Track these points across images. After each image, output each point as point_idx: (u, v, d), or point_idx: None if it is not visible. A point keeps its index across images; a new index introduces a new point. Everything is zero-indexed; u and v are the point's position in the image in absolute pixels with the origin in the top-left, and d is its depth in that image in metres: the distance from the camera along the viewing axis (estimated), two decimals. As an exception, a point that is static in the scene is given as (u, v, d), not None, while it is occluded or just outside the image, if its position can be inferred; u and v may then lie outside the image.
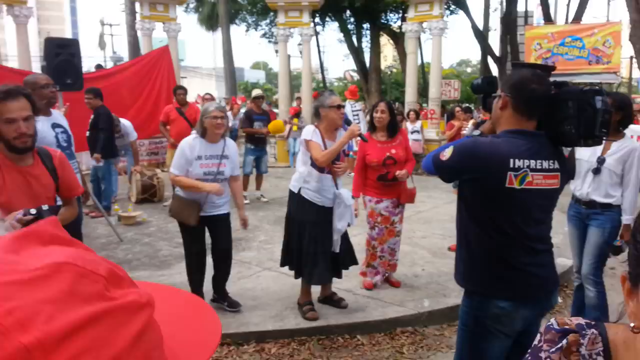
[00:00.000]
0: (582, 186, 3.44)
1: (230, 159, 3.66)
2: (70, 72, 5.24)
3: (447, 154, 1.97)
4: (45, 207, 1.75)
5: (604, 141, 2.04)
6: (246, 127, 7.87)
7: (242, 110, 13.98)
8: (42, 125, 3.63)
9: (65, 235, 0.63)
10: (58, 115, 3.94)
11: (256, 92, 8.40)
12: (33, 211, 1.70)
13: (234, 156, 3.71)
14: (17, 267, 0.50)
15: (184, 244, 3.85)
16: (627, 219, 3.30)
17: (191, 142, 3.57)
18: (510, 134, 1.92)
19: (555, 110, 1.92)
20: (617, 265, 4.75)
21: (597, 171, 3.33)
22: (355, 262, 3.96)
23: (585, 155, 3.37)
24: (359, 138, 3.67)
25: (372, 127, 4.19)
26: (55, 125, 3.75)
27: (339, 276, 3.86)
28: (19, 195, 2.16)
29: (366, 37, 22.38)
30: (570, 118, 1.89)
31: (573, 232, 3.59)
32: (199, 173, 3.56)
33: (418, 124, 10.94)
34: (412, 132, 11.04)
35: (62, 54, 5.20)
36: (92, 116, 6.35)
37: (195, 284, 3.84)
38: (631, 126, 10.02)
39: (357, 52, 21.98)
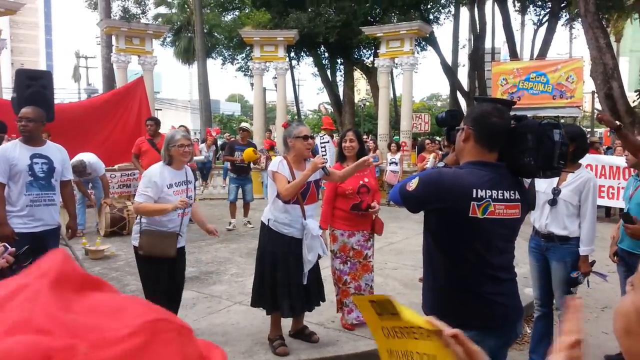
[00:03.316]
0: (540, 218, 3.43)
1: (192, 183, 3.75)
2: (41, 103, 5.15)
3: (413, 184, 2.01)
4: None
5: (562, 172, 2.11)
6: (227, 155, 8.51)
7: (220, 142, 14.03)
8: (20, 153, 3.72)
9: (87, 275, 0.59)
10: (52, 147, 3.93)
11: (243, 124, 8.92)
12: None
13: (193, 179, 3.83)
14: (105, 335, 0.46)
15: (150, 283, 3.54)
16: (583, 250, 3.26)
17: (160, 170, 3.54)
18: (472, 165, 1.97)
19: (515, 142, 1.98)
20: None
21: (553, 202, 3.32)
22: (323, 299, 3.82)
23: (542, 187, 3.35)
24: (322, 171, 3.54)
25: (341, 156, 4.13)
26: (36, 156, 3.76)
27: (310, 309, 3.76)
28: None
29: (340, 71, 22.90)
30: (529, 150, 1.95)
31: (533, 264, 3.57)
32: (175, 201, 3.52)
33: (398, 155, 11.12)
34: (390, 163, 11.20)
35: (33, 86, 5.13)
36: None
37: None
38: (597, 156, 10.18)
39: (331, 86, 22.41)
